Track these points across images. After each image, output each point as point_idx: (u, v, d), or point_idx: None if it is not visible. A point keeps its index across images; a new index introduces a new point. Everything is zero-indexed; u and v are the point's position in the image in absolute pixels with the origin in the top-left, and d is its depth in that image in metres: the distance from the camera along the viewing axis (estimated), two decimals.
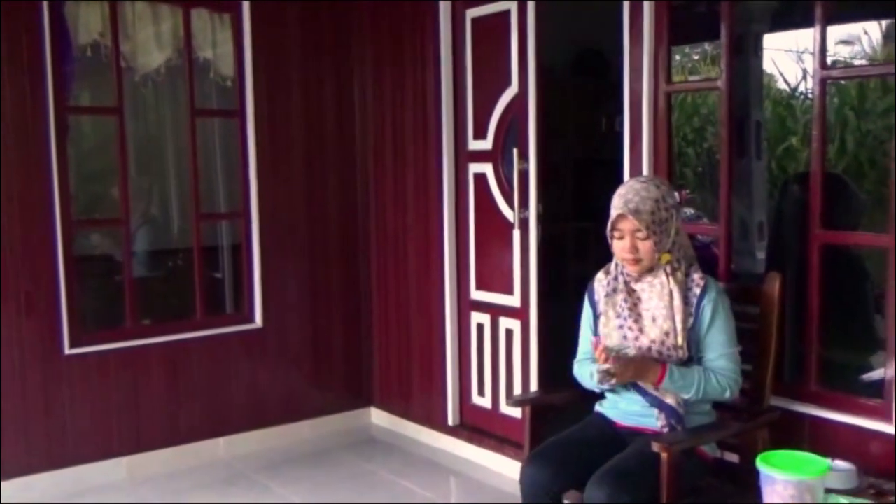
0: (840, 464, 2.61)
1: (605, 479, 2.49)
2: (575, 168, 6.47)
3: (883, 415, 2.72)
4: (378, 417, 4.92)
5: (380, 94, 4.68)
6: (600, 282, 2.80)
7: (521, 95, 3.88)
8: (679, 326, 2.60)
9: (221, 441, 4.44)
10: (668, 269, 2.64)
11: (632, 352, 2.63)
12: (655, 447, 2.48)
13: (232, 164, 4.63)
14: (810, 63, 9.08)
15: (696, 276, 2.67)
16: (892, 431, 2.69)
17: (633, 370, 2.58)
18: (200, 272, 4.39)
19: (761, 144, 6.36)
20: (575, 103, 6.26)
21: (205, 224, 4.52)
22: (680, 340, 2.60)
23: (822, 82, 2.87)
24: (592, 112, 6.50)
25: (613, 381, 2.59)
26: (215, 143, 4.81)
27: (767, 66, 8.90)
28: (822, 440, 2.82)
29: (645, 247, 2.62)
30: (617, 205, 2.64)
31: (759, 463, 2.40)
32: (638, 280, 2.70)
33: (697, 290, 2.64)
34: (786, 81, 10.19)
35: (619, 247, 2.66)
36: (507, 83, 3.95)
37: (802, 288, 2.93)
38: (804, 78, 9.75)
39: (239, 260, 4.63)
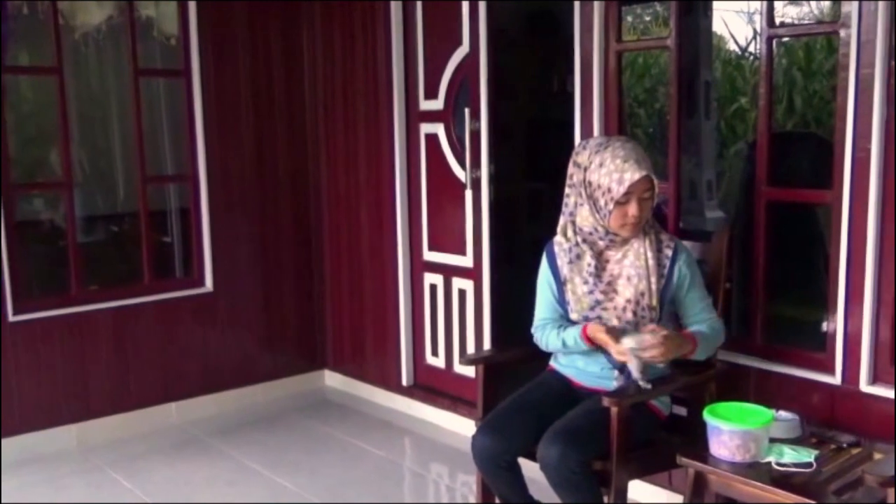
0: (784, 414, 2.68)
1: (557, 438, 2.51)
2: (527, 129, 6.47)
3: (826, 366, 2.80)
4: (332, 379, 4.92)
5: (329, 53, 4.61)
6: (560, 246, 2.75)
7: (473, 55, 3.84)
8: (654, 287, 2.62)
9: (173, 406, 4.40)
10: (646, 227, 2.65)
11: (648, 335, 2.52)
12: (606, 402, 2.52)
13: (178, 126, 4.53)
14: (760, 24, 9.18)
15: (665, 238, 2.69)
16: (834, 382, 2.76)
17: (670, 347, 2.52)
18: (148, 236, 4.32)
19: (711, 104, 6.42)
20: (526, 63, 6.23)
21: (151, 187, 4.43)
22: (654, 301, 2.63)
23: (770, 40, 2.90)
24: (544, 72, 6.48)
25: (661, 363, 2.57)
26: (160, 104, 4.70)
27: (718, 27, 8.95)
28: (767, 392, 2.89)
29: (647, 207, 2.60)
30: (631, 168, 2.52)
31: (706, 415, 2.45)
32: (610, 244, 2.67)
33: (669, 252, 2.66)
34: (736, 42, 10.26)
35: (623, 213, 2.57)
36: (458, 42, 3.91)
37: (769, 243, 2.97)
38: (754, 38, 9.82)
39: (187, 224, 4.56)
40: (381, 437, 4.19)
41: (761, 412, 2.47)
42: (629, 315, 2.62)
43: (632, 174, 2.52)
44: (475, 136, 3.85)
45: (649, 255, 2.62)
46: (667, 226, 3.18)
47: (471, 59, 3.85)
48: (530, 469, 2.71)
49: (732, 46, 10.33)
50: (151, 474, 3.79)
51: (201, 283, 4.49)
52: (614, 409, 2.52)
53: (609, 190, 2.56)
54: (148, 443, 4.16)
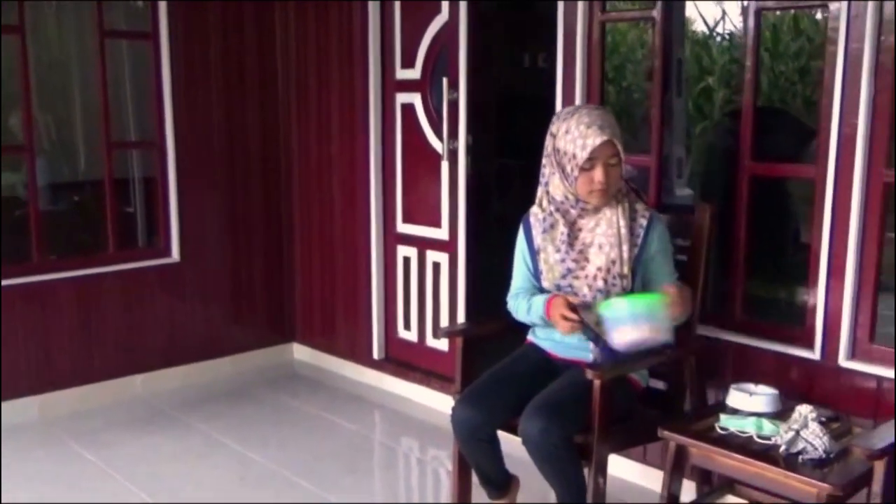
0: (763, 388, 2.68)
1: (539, 412, 2.49)
2: (497, 105, 6.41)
3: (805, 342, 2.80)
4: (300, 353, 4.85)
5: (303, 16, 4.49)
6: (536, 216, 2.74)
7: (452, 23, 3.77)
8: (626, 255, 2.60)
9: (138, 378, 4.31)
10: (619, 196, 2.63)
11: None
12: (589, 374, 2.50)
13: (142, 92, 4.40)
14: (728, 5, 9.20)
15: (641, 208, 2.67)
16: (814, 357, 2.77)
17: (683, 295, 2.53)
18: (113, 204, 4.20)
19: (682, 82, 6.42)
20: (498, 38, 6.17)
21: (115, 155, 4.29)
22: (626, 269, 2.60)
23: (758, 13, 2.87)
24: (515, 47, 6.42)
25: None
26: (124, 68, 4.56)
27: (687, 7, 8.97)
28: (747, 366, 2.90)
29: (615, 173, 2.57)
30: (594, 132, 2.50)
31: (602, 310, 2.45)
32: (584, 211, 2.65)
33: (644, 221, 2.64)
34: (705, 22, 10.31)
35: (589, 179, 2.55)
36: (437, 10, 3.83)
37: (732, 220, 2.96)
38: (723, 19, 9.87)
39: (151, 192, 4.44)
40: (351, 410, 4.14)
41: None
42: (600, 283, 2.61)
43: (594, 139, 2.51)
44: (453, 106, 3.78)
45: (622, 223, 2.60)
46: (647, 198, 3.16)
47: (450, 28, 3.78)
48: (507, 443, 2.69)
49: (700, 27, 10.38)
50: (116, 447, 3.70)
51: (168, 252, 4.37)
52: (597, 382, 2.50)
53: (574, 156, 2.55)
54: (112, 415, 4.06)
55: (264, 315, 4.76)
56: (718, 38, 9.98)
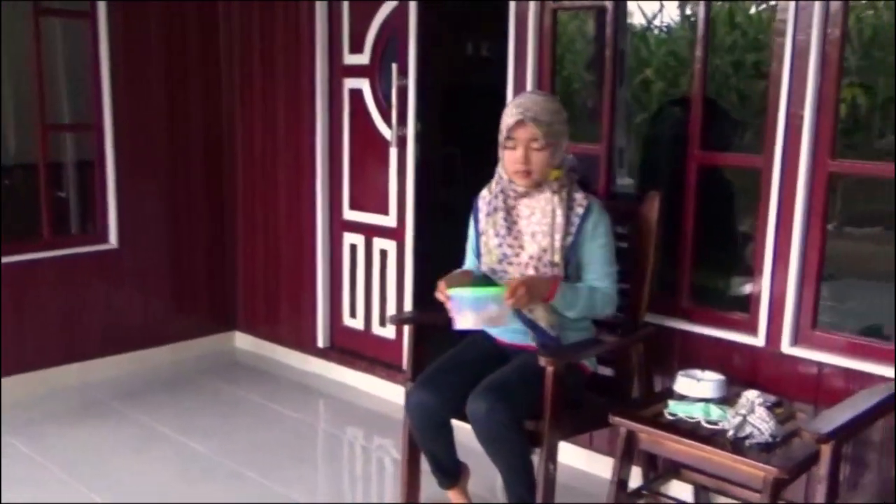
0: (710, 374, 2.73)
1: (485, 393, 2.50)
2: (440, 93, 6.38)
3: (750, 328, 2.86)
4: (242, 341, 4.77)
5: (248, 3, 4.40)
6: (484, 199, 2.77)
7: (402, 8, 3.74)
8: (557, 244, 2.61)
9: (74, 367, 4.18)
10: (556, 185, 2.63)
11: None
12: (542, 361, 2.51)
13: (77, 73, 4.25)
14: None
15: (579, 196, 2.67)
16: (758, 343, 2.83)
17: (527, 288, 2.49)
18: (47, 189, 4.06)
19: (624, 73, 6.48)
20: (443, 25, 6.13)
21: (49, 137, 4.13)
22: (557, 258, 2.61)
23: (707, 4, 2.90)
24: (460, 35, 6.40)
25: (518, 302, 2.50)
26: (57, 48, 4.40)
27: None
28: (694, 353, 2.95)
29: (538, 158, 2.59)
30: (513, 112, 2.58)
31: (451, 291, 2.49)
32: (521, 197, 2.67)
33: (580, 210, 2.65)
34: (643, 14, 10.44)
35: (511, 158, 2.62)
36: None
37: (677, 208, 2.99)
38: (660, 11, 10.00)
39: (85, 177, 4.29)
40: (295, 399, 4.09)
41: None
42: (531, 271, 2.63)
43: (511, 119, 2.58)
44: (402, 92, 3.75)
45: (557, 212, 2.61)
46: (597, 188, 3.18)
47: (399, 12, 3.74)
48: (458, 431, 2.69)
49: (638, 19, 10.52)
50: (52, 439, 3.58)
51: (105, 239, 4.25)
52: (550, 368, 2.51)
53: (500, 132, 2.63)
54: (45, 406, 3.93)
55: (205, 303, 4.67)
56: (656, 31, 10.14)
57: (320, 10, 4.03)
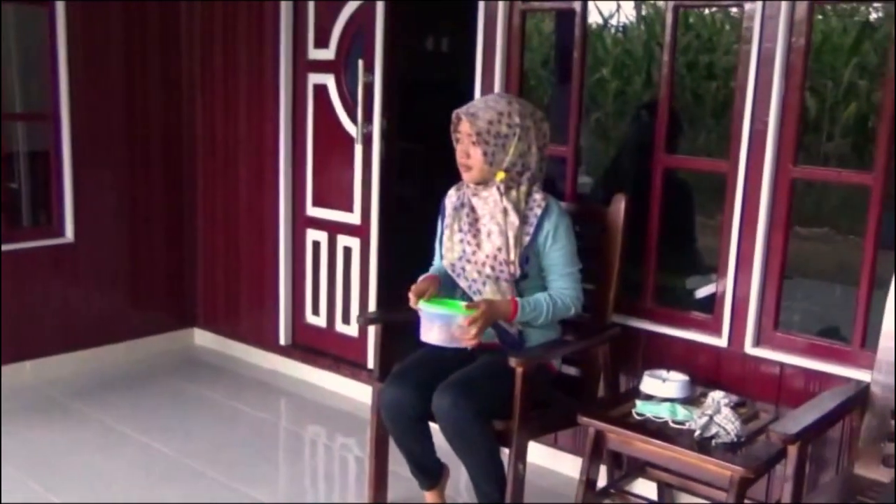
0: (675, 374, 2.78)
1: (450, 388, 2.52)
2: (401, 88, 6.36)
3: (713, 329, 2.91)
4: (202, 338, 4.71)
5: None
6: (450, 197, 2.82)
7: (369, 4, 3.71)
8: (511, 243, 2.63)
9: (28, 365, 4.08)
10: (502, 187, 2.65)
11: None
12: (513, 363, 2.52)
13: (31, 61, 4.13)
14: None
15: (538, 197, 2.69)
16: (721, 344, 2.88)
17: (488, 315, 2.54)
18: (2, 180, 3.95)
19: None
20: (406, 20, 6.10)
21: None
22: (512, 256, 2.63)
23: (675, 10, 2.94)
24: (419, 31, 6.38)
25: (477, 335, 2.55)
26: (10, 34, 4.29)
27: None
28: (658, 353, 2.99)
29: (475, 154, 2.63)
30: (459, 108, 2.66)
31: (422, 304, 2.56)
32: (476, 195, 2.71)
33: (538, 210, 2.67)
34: (600, 13, 10.52)
35: (457, 152, 2.69)
36: None
37: (642, 210, 3.03)
38: (617, 11, 10.10)
39: (42, 168, 4.19)
40: (257, 397, 4.06)
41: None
42: (488, 270, 2.66)
43: (454, 113, 2.66)
44: (368, 88, 3.73)
45: (510, 210, 2.64)
46: (563, 188, 3.21)
47: (367, 8, 3.72)
48: (436, 434, 2.68)
49: (594, 17, 10.60)
50: (7, 438, 3.48)
51: (61, 232, 4.15)
52: (520, 370, 2.52)
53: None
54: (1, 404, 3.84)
55: (164, 299, 4.60)
56: (613, 30, 10.23)
57: (285, 3, 3.98)
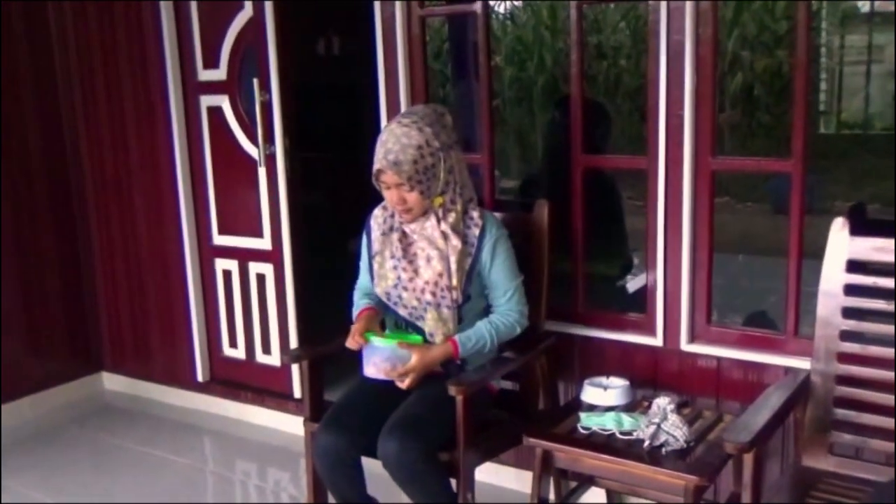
0: (615, 380, 2.73)
1: (395, 430, 2.40)
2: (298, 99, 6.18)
3: (647, 329, 2.87)
4: (112, 382, 4.44)
5: (83, 15, 4.04)
6: (376, 219, 2.66)
7: (256, 19, 3.52)
8: (454, 267, 2.52)
9: None
10: (441, 212, 2.54)
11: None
12: (452, 391, 2.41)
13: None
14: None
15: (475, 215, 2.58)
16: (656, 343, 2.84)
17: (426, 364, 2.49)
18: None
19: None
20: (297, 26, 5.91)
21: None
22: (454, 281, 2.52)
23: (578, 7, 2.87)
24: (308, 35, 6.19)
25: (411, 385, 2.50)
26: None
27: None
28: (595, 358, 2.94)
29: (412, 198, 2.49)
30: (378, 157, 2.46)
31: (368, 336, 2.50)
32: (408, 223, 2.58)
33: (476, 230, 2.56)
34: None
35: (387, 197, 2.54)
36: (240, 6, 3.56)
37: (566, 212, 2.96)
38: None
39: None
40: (178, 441, 3.84)
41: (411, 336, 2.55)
42: (428, 296, 2.54)
43: (376, 166, 2.47)
44: (266, 107, 3.54)
45: (450, 234, 2.53)
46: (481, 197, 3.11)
47: (255, 25, 3.53)
48: (366, 462, 2.55)
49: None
50: None
51: None
52: (460, 397, 2.42)
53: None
54: None
55: (66, 345, 4.30)
56: (503, 19, 10.23)
57: (167, 25, 3.75)
